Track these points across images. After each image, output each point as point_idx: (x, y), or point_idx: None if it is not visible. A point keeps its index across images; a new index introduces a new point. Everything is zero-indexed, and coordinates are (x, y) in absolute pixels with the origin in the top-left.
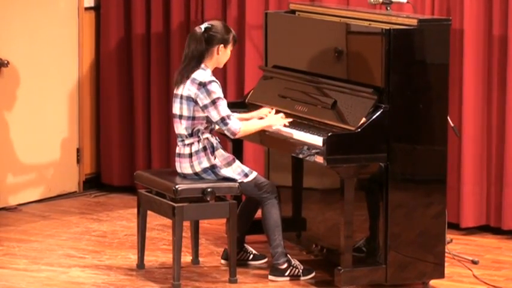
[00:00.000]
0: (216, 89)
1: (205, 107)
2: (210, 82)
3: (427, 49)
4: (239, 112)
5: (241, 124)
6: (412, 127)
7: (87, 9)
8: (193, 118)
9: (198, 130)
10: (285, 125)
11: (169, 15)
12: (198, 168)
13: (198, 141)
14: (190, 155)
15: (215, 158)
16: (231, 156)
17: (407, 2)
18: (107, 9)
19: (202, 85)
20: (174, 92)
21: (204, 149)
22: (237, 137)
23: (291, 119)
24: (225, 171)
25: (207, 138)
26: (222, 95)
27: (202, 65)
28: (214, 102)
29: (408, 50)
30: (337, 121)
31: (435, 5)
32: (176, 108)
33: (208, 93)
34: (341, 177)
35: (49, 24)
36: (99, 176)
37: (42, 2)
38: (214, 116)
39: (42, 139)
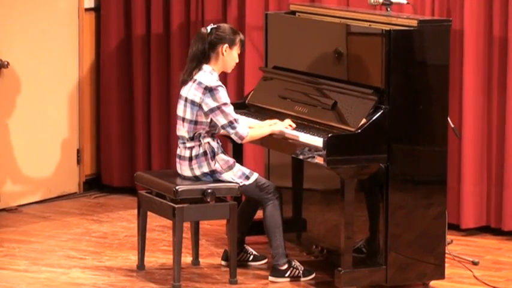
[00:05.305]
0: (223, 94)
1: (211, 111)
2: (217, 87)
3: (427, 50)
4: (241, 114)
5: (249, 129)
6: (412, 128)
7: (87, 10)
8: (196, 122)
9: (200, 134)
10: (292, 127)
11: (169, 16)
12: (198, 172)
13: (199, 146)
14: (190, 159)
15: (215, 163)
16: (232, 160)
17: (408, 3)
18: (107, 10)
19: (208, 90)
20: (180, 92)
21: (205, 153)
22: (244, 141)
23: (294, 126)
24: (226, 176)
25: (208, 143)
26: (228, 101)
27: (210, 68)
28: (220, 107)
29: (408, 50)
30: (337, 122)
31: (435, 6)
32: (180, 110)
33: (215, 98)
34: (341, 178)
35: (49, 25)
36: (100, 177)
37: (42, 2)
38: (221, 120)
39: (42, 140)
